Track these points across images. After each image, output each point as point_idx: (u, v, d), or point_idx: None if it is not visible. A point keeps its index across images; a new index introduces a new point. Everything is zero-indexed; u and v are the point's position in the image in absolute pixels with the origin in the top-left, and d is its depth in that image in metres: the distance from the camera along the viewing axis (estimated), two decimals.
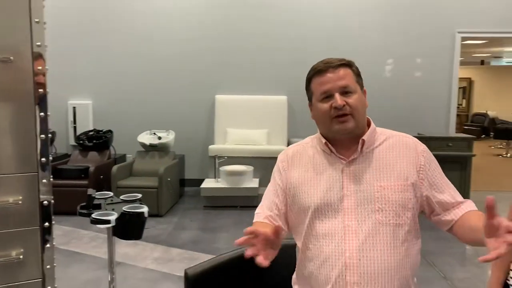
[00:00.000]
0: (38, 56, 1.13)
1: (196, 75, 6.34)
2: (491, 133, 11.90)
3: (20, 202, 1.12)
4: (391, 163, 1.36)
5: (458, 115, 6.95)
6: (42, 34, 1.13)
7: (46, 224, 1.16)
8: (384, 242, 1.30)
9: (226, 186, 5.32)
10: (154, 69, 6.32)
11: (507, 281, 1.56)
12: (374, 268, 1.28)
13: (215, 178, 5.54)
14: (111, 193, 2.77)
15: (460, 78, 6.76)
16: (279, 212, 1.45)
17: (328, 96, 1.36)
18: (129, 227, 2.44)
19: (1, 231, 1.11)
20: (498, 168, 8.65)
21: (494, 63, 15.31)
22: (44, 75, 1.14)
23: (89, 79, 6.35)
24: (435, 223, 1.41)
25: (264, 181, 5.43)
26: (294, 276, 1.50)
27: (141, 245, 4.06)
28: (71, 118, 6.31)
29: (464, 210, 1.35)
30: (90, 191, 2.63)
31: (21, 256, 1.13)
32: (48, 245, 1.16)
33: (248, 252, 1.09)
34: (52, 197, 1.18)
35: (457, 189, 1.44)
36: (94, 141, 5.68)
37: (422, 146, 1.42)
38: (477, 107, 14.33)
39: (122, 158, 6.01)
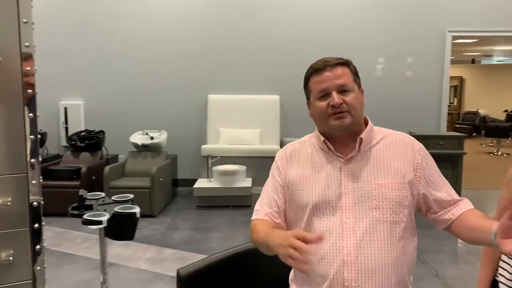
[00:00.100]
0: (26, 57, 1.12)
1: (188, 75, 6.33)
2: (482, 131, 12.01)
3: (9, 203, 1.11)
4: (389, 161, 1.38)
5: (449, 114, 7.03)
6: (30, 34, 1.12)
7: (36, 225, 1.15)
8: (381, 239, 1.31)
9: (219, 186, 5.32)
10: (146, 69, 6.31)
11: (496, 278, 1.57)
12: (372, 265, 1.29)
13: (207, 178, 5.53)
14: (103, 194, 2.76)
15: (451, 76, 6.81)
16: (279, 209, 1.46)
17: (325, 94, 1.37)
18: (121, 228, 2.44)
19: None
20: (489, 166, 8.73)
21: (484, 61, 15.44)
22: (33, 75, 1.13)
23: (80, 80, 6.32)
24: (431, 221, 1.43)
25: (257, 181, 5.44)
26: (291, 273, 1.51)
27: (133, 245, 4.05)
28: (62, 118, 6.28)
29: (462, 210, 1.37)
30: (82, 191, 2.62)
31: (11, 258, 1.12)
32: (38, 247, 1.16)
33: (304, 268, 1.12)
34: (42, 198, 1.18)
35: None
36: (86, 142, 5.66)
37: (419, 145, 1.44)
38: (468, 105, 14.45)
39: (114, 158, 5.98)
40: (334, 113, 1.35)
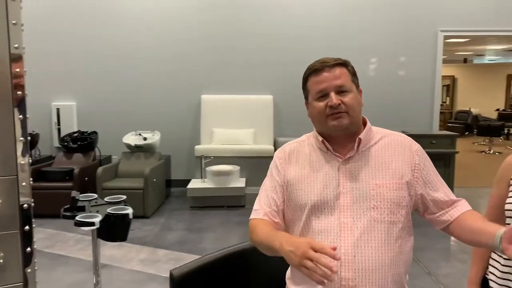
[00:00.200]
0: (16, 58, 1.11)
1: (181, 75, 6.32)
2: (474, 130, 12.08)
3: None
4: (387, 162, 1.39)
5: (442, 113, 7.07)
6: (19, 36, 1.11)
7: (27, 227, 1.15)
8: (378, 239, 1.32)
9: (213, 186, 5.31)
10: (139, 70, 6.29)
11: (486, 276, 1.59)
12: (369, 264, 1.30)
13: (201, 178, 5.53)
14: (96, 195, 2.75)
15: (443, 76, 6.85)
16: (278, 209, 1.46)
17: (324, 95, 1.38)
18: (114, 229, 2.43)
19: None
20: (481, 164, 8.79)
21: (476, 61, 15.54)
22: (22, 77, 1.13)
23: (73, 80, 6.29)
24: (429, 221, 1.44)
25: (251, 181, 5.45)
26: (288, 271, 1.51)
27: (127, 246, 4.03)
28: (55, 119, 6.24)
29: (460, 211, 1.38)
30: (74, 193, 2.61)
31: (1, 261, 1.11)
32: (29, 249, 1.15)
33: (323, 280, 1.11)
34: (32, 200, 1.17)
35: None
36: (79, 143, 5.63)
37: (417, 146, 1.45)
38: (461, 104, 14.54)
39: (107, 159, 5.96)
40: (332, 113, 1.36)
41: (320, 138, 1.42)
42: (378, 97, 6.26)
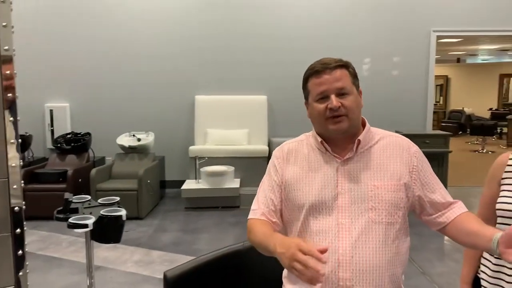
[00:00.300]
0: (6, 60, 1.11)
1: (175, 76, 6.31)
2: (468, 130, 12.15)
3: None
4: (385, 163, 1.39)
5: (435, 112, 7.10)
6: (10, 38, 1.11)
7: (18, 230, 1.14)
8: (376, 240, 1.33)
9: (207, 187, 5.31)
10: (132, 70, 6.27)
11: (478, 275, 1.60)
12: (366, 265, 1.31)
13: (195, 179, 5.52)
14: (89, 197, 2.75)
15: (437, 75, 6.88)
16: (275, 208, 1.46)
17: (324, 97, 1.37)
18: (107, 231, 2.42)
19: None
20: (474, 164, 8.84)
21: (469, 60, 15.63)
22: (13, 79, 1.12)
23: (66, 81, 6.26)
24: (425, 223, 1.45)
25: (246, 181, 5.45)
26: (285, 270, 1.51)
27: (121, 248, 4.02)
28: (48, 121, 6.21)
29: (457, 213, 1.39)
30: (67, 195, 2.60)
31: None
32: (20, 252, 1.14)
33: (312, 282, 1.12)
34: (24, 202, 1.17)
35: None
36: (72, 144, 5.60)
37: (415, 147, 1.45)
38: (454, 104, 14.61)
39: (101, 160, 5.93)
40: (333, 116, 1.36)
41: (319, 139, 1.42)
42: (371, 97, 6.24)
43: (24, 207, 1.16)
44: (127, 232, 4.37)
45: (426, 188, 1.40)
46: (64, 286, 3.32)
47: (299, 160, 1.46)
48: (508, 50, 12.33)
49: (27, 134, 5.64)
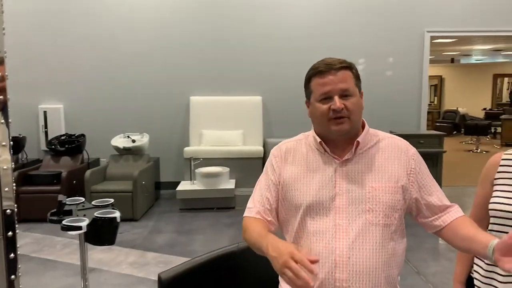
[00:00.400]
0: None
1: (170, 77, 6.30)
2: (462, 130, 12.20)
3: None
4: (383, 165, 1.40)
5: (430, 112, 7.12)
6: (1, 39, 1.10)
7: (10, 233, 1.13)
8: (373, 241, 1.33)
9: (202, 188, 5.30)
10: (127, 71, 6.25)
11: (471, 274, 1.61)
12: (363, 266, 1.31)
13: (191, 180, 5.51)
14: (83, 199, 2.74)
15: (431, 76, 6.91)
16: (271, 207, 1.46)
17: (327, 97, 1.37)
18: (101, 233, 2.42)
19: None
20: (468, 163, 8.88)
21: (463, 61, 15.71)
22: (4, 81, 1.11)
23: (60, 83, 6.23)
24: (421, 225, 1.45)
25: (241, 182, 5.44)
26: None
27: (116, 250, 4.00)
28: (42, 122, 6.18)
29: (453, 217, 1.39)
30: (61, 197, 2.59)
31: None
32: (12, 255, 1.13)
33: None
34: (16, 205, 1.16)
35: None
36: (67, 146, 5.58)
37: (413, 150, 1.45)
38: (448, 104, 14.68)
39: (96, 162, 5.91)
40: (336, 117, 1.36)
41: (318, 140, 1.42)
42: (366, 97, 6.13)
43: (16, 209, 1.16)
44: (121, 234, 4.35)
45: (423, 191, 1.41)
46: None
47: (297, 159, 1.46)
48: (501, 50, 12.41)
49: (21, 136, 5.61)
